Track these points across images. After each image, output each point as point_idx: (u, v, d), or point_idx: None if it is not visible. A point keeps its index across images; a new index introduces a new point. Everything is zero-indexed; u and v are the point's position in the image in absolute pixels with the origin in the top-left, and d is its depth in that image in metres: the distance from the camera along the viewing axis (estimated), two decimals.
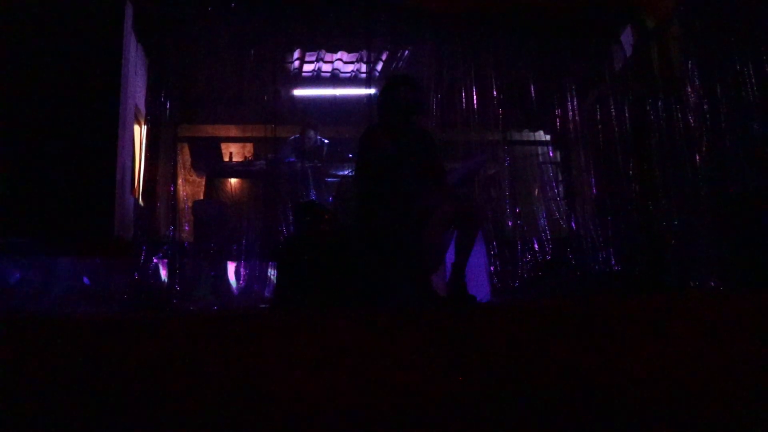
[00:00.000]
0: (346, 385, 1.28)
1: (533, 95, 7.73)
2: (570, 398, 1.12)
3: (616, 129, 7.32)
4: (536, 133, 8.97)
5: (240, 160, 8.59)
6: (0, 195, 5.33)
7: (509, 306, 4.48)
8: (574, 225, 7.33)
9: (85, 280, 5.47)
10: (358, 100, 8.41)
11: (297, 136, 7.53)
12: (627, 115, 7.25)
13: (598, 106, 7.58)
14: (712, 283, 5.48)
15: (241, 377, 1.40)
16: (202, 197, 8.09)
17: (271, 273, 6.09)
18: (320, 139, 7.50)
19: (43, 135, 5.58)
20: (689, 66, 6.19)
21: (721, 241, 5.55)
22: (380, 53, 8.26)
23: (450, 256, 4.06)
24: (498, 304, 4.99)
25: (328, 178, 7.34)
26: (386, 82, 4.46)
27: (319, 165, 7.27)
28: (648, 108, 6.87)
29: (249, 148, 9.20)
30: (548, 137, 8.62)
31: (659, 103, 6.71)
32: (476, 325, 2.56)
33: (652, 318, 2.63)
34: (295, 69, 8.87)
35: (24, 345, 2.10)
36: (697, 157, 6.04)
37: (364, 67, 8.48)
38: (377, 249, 4.08)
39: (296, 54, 8.52)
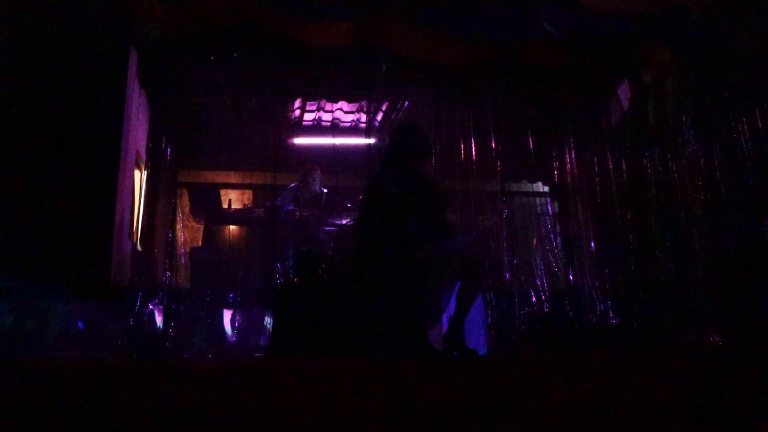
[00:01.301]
0: None
1: (531, 147, 7.79)
2: None
3: (614, 181, 7.36)
4: (534, 185, 9.03)
5: (239, 207, 8.61)
6: None
7: (507, 360, 4.45)
8: (571, 277, 7.31)
9: (80, 324, 5.43)
10: (357, 149, 8.48)
11: (296, 184, 7.55)
12: (624, 167, 7.30)
13: (595, 159, 7.63)
14: (712, 338, 5.45)
15: (235, 426, 1.38)
16: (200, 244, 8.09)
17: (267, 321, 6.04)
18: (320, 187, 7.53)
19: (42, 177, 5.60)
20: (684, 120, 6.26)
21: (719, 294, 5.54)
22: (380, 103, 8.36)
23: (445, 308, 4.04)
24: (496, 357, 4.95)
25: (327, 227, 7.34)
26: (394, 130, 4.51)
27: (317, 214, 7.28)
28: (645, 161, 6.93)
29: (248, 195, 9.23)
30: (546, 189, 8.67)
31: (655, 157, 6.77)
32: (474, 378, 2.54)
33: (650, 373, 2.61)
34: (295, 117, 8.97)
35: (17, 389, 2.08)
36: (694, 211, 6.07)
37: (364, 117, 8.58)
38: (375, 298, 4.06)
39: (297, 103, 8.62)
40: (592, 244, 7.37)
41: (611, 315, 6.84)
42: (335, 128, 9.13)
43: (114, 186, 5.92)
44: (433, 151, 6.42)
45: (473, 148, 7.50)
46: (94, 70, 5.97)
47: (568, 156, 7.76)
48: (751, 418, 1.44)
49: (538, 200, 8.62)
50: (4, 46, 5.76)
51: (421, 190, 4.21)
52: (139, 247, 6.76)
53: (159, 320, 6.06)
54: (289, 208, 7.26)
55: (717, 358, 3.48)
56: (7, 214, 5.46)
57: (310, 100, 8.57)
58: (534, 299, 6.92)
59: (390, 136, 4.46)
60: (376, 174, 4.39)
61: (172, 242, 6.66)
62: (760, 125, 5.37)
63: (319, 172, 7.51)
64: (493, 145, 7.55)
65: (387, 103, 8.38)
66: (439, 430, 1.32)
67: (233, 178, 9.06)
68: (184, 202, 8.59)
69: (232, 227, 8.30)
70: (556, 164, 7.90)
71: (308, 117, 9.01)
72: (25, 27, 5.87)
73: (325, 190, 7.58)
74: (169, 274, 6.45)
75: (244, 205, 8.80)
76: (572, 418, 1.47)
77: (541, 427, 1.36)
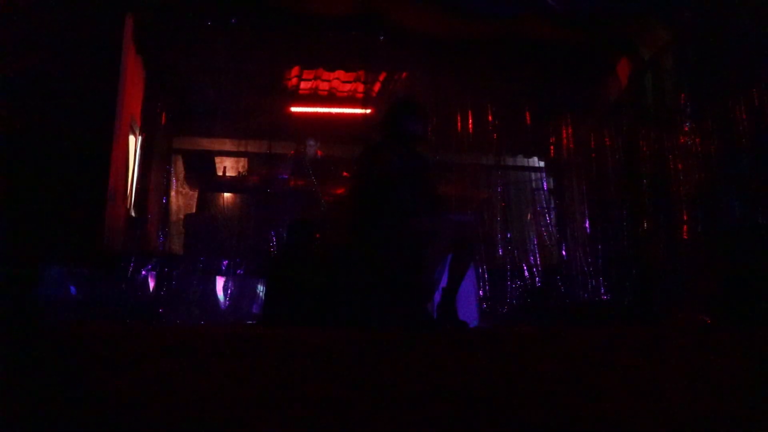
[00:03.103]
0: (332, 404, 1.27)
1: (528, 121, 7.78)
2: (554, 427, 1.12)
3: (609, 158, 7.37)
4: (530, 160, 9.02)
5: (234, 174, 8.58)
6: None
7: (498, 332, 4.48)
8: (564, 253, 7.34)
9: (72, 289, 5.44)
10: (354, 119, 8.45)
11: (294, 152, 7.53)
12: (620, 145, 7.30)
13: (592, 135, 7.63)
14: (701, 317, 5.49)
15: (226, 393, 1.39)
16: (194, 210, 8.08)
17: (261, 289, 6.07)
18: (316, 153, 7.50)
19: (36, 142, 5.57)
20: (682, 98, 6.25)
21: (710, 273, 5.57)
22: (378, 74, 8.31)
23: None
24: (488, 329, 4.98)
25: (322, 195, 7.33)
26: (391, 107, 4.42)
27: (312, 182, 7.25)
28: (641, 139, 6.92)
29: (243, 162, 9.20)
30: (542, 164, 8.67)
31: (652, 134, 6.76)
32: (465, 349, 2.56)
33: (640, 349, 2.64)
34: (292, 86, 8.91)
35: (9, 352, 2.09)
36: (688, 190, 6.09)
37: (361, 87, 8.52)
38: (370, 268, 4.07)
39: (294, 71, 8.56)
40: (586, 221, 7.40)
41: (603, 291, 6.88)
42: (332, 98, 9.08)
43: (108, 151, 5.90)
44: (427, 132, 6.38)
45: (470, 122, 7.48)
46: (89, 34, 5.90)
47: (564, 131, 7.75)
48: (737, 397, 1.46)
49: (533, 175, 8.61)
50: None
51: (415, 163, 4.20)
52: (132, 213, 6.75)
53: (152, 286, 6.08)
54: (284, 176, 7.25)
55: (706, 337, 3.51)
56: (1, 181, 5.44)
57: (307, 69, 8.51)
58: (526, 274, 6.96)
59: (389, 109, 4.39)
60: (371, 145, 4.37)
61: (166, 209, 6.65)
62: (756, 104, 5.36)
63: (312, 141, 7.50)
64: (490, 118, 7.54)
65: (384, 73, 8.33)
66: (429, 400, 1.33)
67: (228, 145, 9.02)
68: (179, 168, 8.56)
69: (226, 195, 8.28)
70: (552, 139, 7.90)
71: (305, 86, 8.95)
72: None
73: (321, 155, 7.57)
74: (162, 240, 6.46)
75: (239, 172, 8.77)
76: (558, 390, 1.49)
77: (527, 399, 1.37)
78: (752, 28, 5.52)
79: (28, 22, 5.76)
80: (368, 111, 7.87)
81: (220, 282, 6.29)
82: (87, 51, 5.84)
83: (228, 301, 6.20)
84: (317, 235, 5.71)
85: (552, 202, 8.05)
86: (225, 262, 6.39)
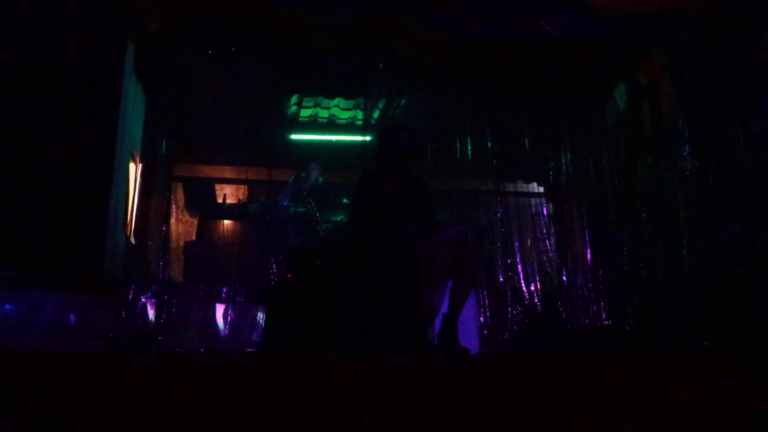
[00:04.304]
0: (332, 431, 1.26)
1: (527, 147, 7.80)
2: None
3: (608, 183, 7.38)
4: (530, 185, 9.03)
5: (234, 202, 8.60)
6: None
7: (499, 358, 4.45)
8: (565, 278, 7.32)
9: (71, 317, 5.42)
10: (353, 146, 8.49)
11: (294, 177, 7.56)
12: (619, 169, 7.31)
13: (590, 160, 7.64)
14: (703, 341, 5.46)
15: (225, 421, 1.38)
16: (194, 238, 8.07)
17: (260, 317, 6.04)
18: (319, 178, 7.54)
19: (37, 168, 5.59)
20: (679, 122, 6.28)
21: (711, 297, 5.56)
22: (377, 101, 8.36)
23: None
24: (489, 356, 4.96)
25: (322, 222, 7.34)
26: (385, 129, 4.48)
27: (313, 209, 7.25)
28: (639, 163, 6.94)
29: (243, 190, 9.22)
30: (542, 189, 8.67)
31: (650, 158, 6.79)
32: (466, 376, 2.54)
33: (644, 376, 2.62)
34: (292, 114, 8.96)
35: (8, 379, 2.07)
36: (687, 213, 6.09)
37: (360, 115, 8.57)
38: (370, 295, 4.06)
39: (294, 99, 8.61)
40: (587, 246, 7.38)
41: (604, 316, 6.85)
42: (332, 125, 9.13)
43: (109, 179, 5.91)
44: (424, 150, 6.38)
45: (469, 147, 7.50)
46: (91, 61, 5.95)
47: (563, 157, 7.77)
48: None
49: (533, 201, 8.62)
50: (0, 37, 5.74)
51: (411, 188, 4.22)
52: (132, 240, 6.75)
53: (151, 313, 6.05)
54: (284, 203, 7.26)
55: (706, 361, 3.49)
56: (1, 206, 5.45)
57: (307, 97, 8.57)
58: (527, 299, 6.94)
59: (381, 134, 4.45)
60: (368, 171, 4.40)
61: (165, 236, 6.64)
62: (753, 129, 5.39)
63: (316, 165, 7.55)
64: (489, 144, 7.56)
65: (384, 101, 8.38)
66: (430, 427, 1.32)
67: (228, 172, 9.04)
68: (179, 196, 8.56)
69: (226, 222, 8.28)
70: (551, 165, 7.91)
71: (305, 113, 9.01)
72: (22, 19, 5.85)
73: (324, 181, 7.61)
74: (162, 267, 6.44)
75: (239, 200, 8.78)
76: (561, 417, 1.47)
77: (530, 426, 1.36)
78: (748, 52, 5.57)
79: (29, 49, 5.80)
80: (367, 138, 7.90)
81: (220, 309, 6.26)
82: (88, 78, 5.88)
83: (228, 328, 6.17)
84: (317, 262, 5.69)
85: (552, 227, 8.04)
86: (225, 289, 6.36)
